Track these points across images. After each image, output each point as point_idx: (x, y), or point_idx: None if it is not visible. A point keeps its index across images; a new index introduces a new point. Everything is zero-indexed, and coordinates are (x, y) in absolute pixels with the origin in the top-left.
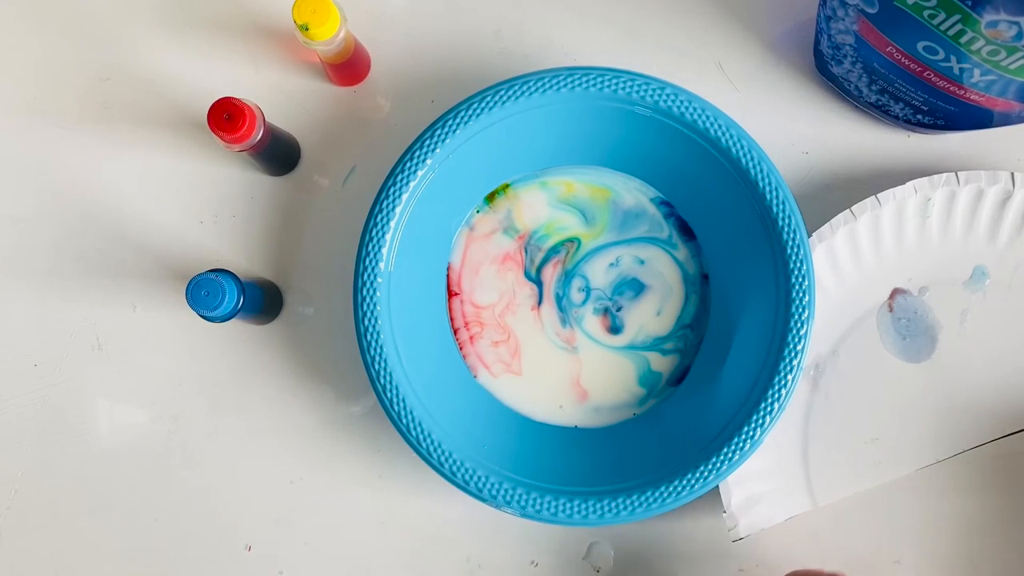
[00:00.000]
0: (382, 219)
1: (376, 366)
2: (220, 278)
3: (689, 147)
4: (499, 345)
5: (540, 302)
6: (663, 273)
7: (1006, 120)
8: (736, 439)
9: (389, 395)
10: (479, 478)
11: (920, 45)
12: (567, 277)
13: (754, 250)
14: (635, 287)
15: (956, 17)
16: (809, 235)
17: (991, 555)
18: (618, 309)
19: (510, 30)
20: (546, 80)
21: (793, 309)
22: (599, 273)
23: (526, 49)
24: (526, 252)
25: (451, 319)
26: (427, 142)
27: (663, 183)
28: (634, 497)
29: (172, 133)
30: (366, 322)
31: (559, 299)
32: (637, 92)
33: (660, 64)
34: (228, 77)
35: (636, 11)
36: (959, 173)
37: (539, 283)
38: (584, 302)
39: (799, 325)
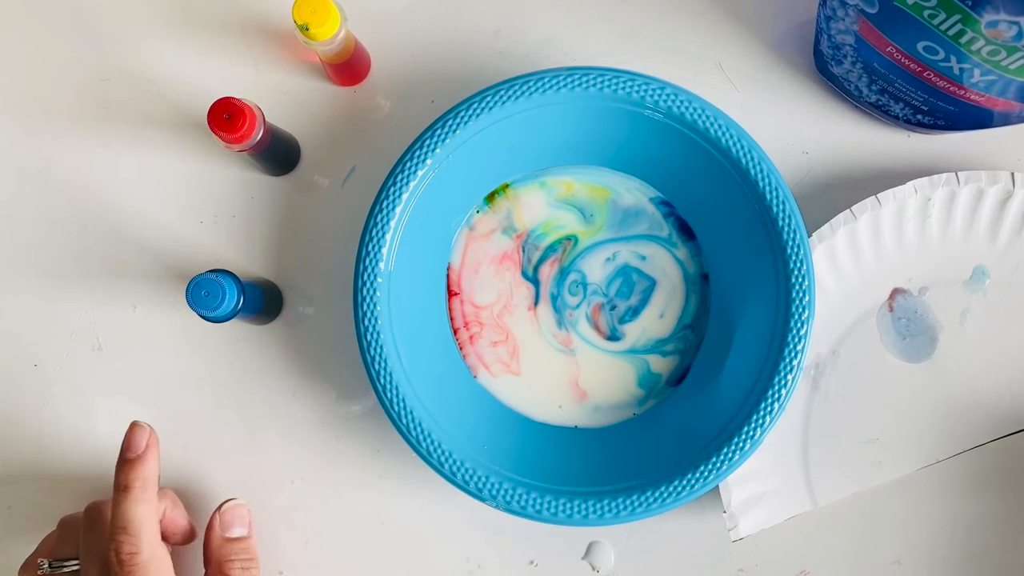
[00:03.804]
0: (382, 219)
1: (376, 366)
2: (220, 278)
3: (689, 147)
4: (498, 345)
5: (536, 302)
6: (665, 270)
7: (1006, 120)
8: (736, 439)
9: (389, 395)
10: (479, 478)
11: (920, 45)
12: (563, 275)
13: (754, 250)
14: (639, 279)
15: (956, 17)
16: (809, 235)
17: (991, 555)
18: (612, 308)
19: (510, 30)
20: (546, 80)
21: (793, 309)
22: (595, 268)
23: (526, 49)
24: (523, 251)
25: (451, 319)
26: (427, 142)
27: (663, 183)
28: (634, 497)
29: (172, 133)
30: (366, 322)
31: (554, 299)
32: (637, 92)
33: (660, 64)
34: (228, 77)
35: (636, 11)
36: (959, 173)
37: (536, 282)
38: (579, 305)
39: (799, 325)
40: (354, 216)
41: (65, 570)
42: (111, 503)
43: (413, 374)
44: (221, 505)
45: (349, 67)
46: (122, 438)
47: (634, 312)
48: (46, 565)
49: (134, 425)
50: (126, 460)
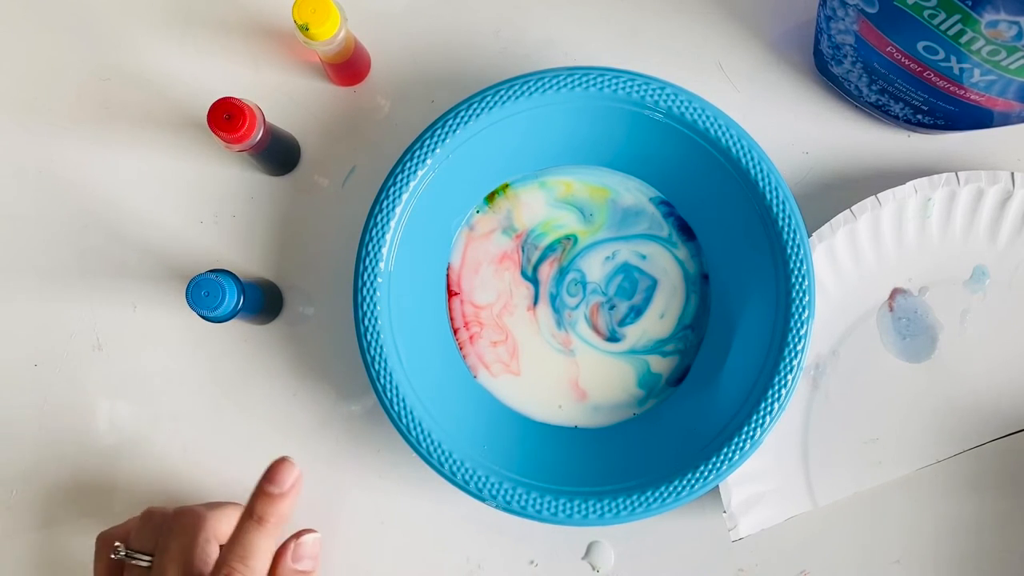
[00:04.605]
0: (382, 219)
1: (376, 366)
2: (220, 278)
3: (689, 147)
4: (498, 345)
5: (536, 302)
6: (665, 269)
7: (1006, 120)
8: (736, 439)
9: (389, 395)
10: (479, 478)
11: (920, 45)
12: (562, 274)
13: (754, 250)
14: (639, 277)
15: (956, 17)
16: (809, 235)
17: (991, 555)
18: (611, 308)
19: (510, 30)
20: (546, 80)
21: (793, 309)
22: (594, 268)
23: (526, 49)
24: (523, 251)
25: (451, 319)
26: (427, 142)
27: (663, 183)
28: (634, 497)
29: (172, 133)
30: (366, 322)
31: (553, 299)
32: (637, 92)
33: (660, 64)
34: (228, 77)
35: (636, 11)
36: (959, 173)
37: (535, 282)
38: (577, 305)
39: (799, 325)
40: (354, 216)
41: (138, 562)
42: (238, 528)
43: (413, 374)
44: (299, 534)
45: (349, 67)
46: (266, 467)
47: (637, 313)
48: (122, 551)
49: (285, 461)
50: (269, 493)
